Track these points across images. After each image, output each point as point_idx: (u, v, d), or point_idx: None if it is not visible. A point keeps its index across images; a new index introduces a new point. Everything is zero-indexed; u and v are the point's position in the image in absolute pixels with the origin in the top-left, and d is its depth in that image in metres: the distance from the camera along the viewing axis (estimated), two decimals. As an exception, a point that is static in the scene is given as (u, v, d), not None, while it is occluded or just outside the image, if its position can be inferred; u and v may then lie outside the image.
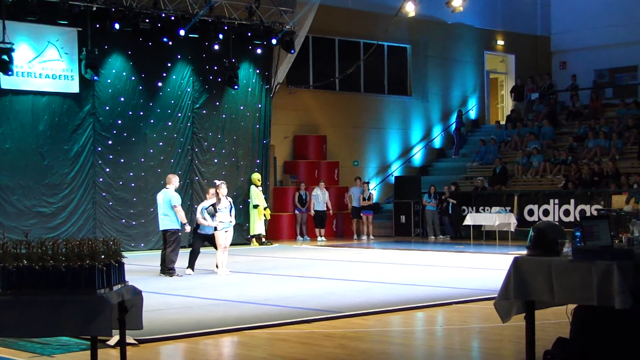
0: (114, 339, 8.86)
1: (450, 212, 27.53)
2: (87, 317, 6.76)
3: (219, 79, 25.22)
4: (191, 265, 17.34)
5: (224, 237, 17.10)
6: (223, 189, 17.13)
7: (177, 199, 17.09)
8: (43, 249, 6.93)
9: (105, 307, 6.80)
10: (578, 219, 23.25)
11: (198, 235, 17.44)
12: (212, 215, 17.00)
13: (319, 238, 27.39)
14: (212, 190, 17.62)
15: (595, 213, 23.83)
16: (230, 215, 17.14)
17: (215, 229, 16.94)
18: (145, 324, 7.67)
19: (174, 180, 17.37)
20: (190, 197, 24.58)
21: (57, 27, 22.25)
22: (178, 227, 17.00)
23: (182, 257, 17.61)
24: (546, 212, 25.79)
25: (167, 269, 16.85)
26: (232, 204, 17.41)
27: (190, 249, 17.81)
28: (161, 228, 17.23)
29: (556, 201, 25.70)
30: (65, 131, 22.69)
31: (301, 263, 20.26)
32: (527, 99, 33.70)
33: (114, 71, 23.57)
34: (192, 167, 24.91)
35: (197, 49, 24.66)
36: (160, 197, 17.19)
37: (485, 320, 11.21)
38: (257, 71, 26.43)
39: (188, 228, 17.47)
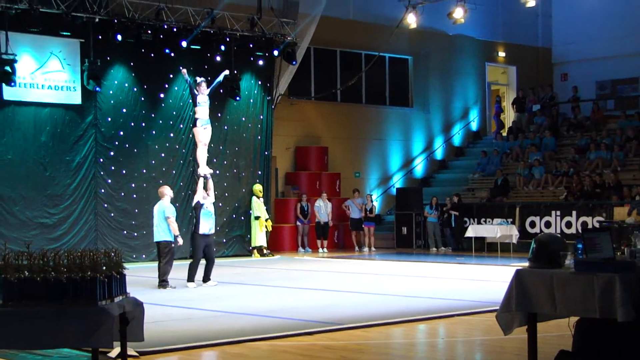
0: (115, 350, 8.85)
1: (452, 224, 27.52)
2: (89, 329, 6.75)
3: (221, 90, 25.21)
4: (192, 278, 17.23)
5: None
6: (203, 86, 18.04)
7: (170, 210, 17.01)
8: (44, 260, 6.94)
9: (107, 319, 6.79)
10: (580, 231, 23.25)
11: (199, 236, 17.21)
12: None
13: (321, 250, 27.36)
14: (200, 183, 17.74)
15: (597, 225, 23.82)
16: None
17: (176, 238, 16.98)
18: (146, 336, 7.66)
19: (166, 191, 17.36)
20: (192, 208, 24.56)
21: (60, 38, 22.32)
22: (172, 238, 16.95)
23: (179, 269, 17.59)
24: (548, 224, 25.76)
25: (160, 280, 16.81)
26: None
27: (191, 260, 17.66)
28: (155, 239, 17.16)
29: (558, 213, 25.68)
30: (67, 142, 22.71)
31: (302, 274, 20.23)
32: (529, 110, 33.72)
33: (116, 82, 23.61)
34: (194, 178, 24.84)
35: (199, 60, 24.67)
36: (156, 208, 17.17)
37: (487, 333, 11.18)
38: (259, 82, 26.46)
39: (180, 241, 17.39)
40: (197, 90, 18.17)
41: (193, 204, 17.84)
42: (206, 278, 17.25)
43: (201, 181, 17.73)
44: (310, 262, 23.98)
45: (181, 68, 19.64)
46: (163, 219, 16.86)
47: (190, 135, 24.79)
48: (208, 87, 18.43)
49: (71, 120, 22.79)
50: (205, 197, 17.38)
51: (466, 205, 28.08)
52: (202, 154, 18.54)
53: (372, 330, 11.60)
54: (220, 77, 19.19)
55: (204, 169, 18.10)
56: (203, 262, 17.28)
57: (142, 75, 24.00)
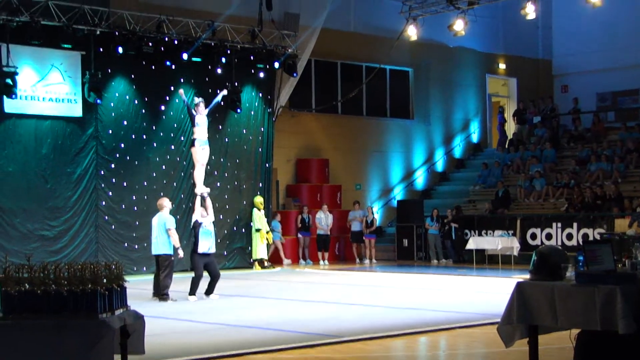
0: (116, 363, 8.83)
1: (453, 236, 27.49)
2: (89, 342, 6.74)
3: (222, 103, 25.21)
4: (193, 291, 17.21)
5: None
6: (201, 107, 18.02)
7: (171, 222, 16.98)
8: (45, 273, 6.93)
9: (107, 332, 6.78)
10: (581, 243, 23.22)
11: (198, 255, 17.24)
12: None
13: (322, 262, 27.34)
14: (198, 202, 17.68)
15: (598, 237, 23.78)
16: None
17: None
18: (147, 349, 7.64)
19: (165, 203, 17.36)
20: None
21: (61, 50, 22.34)
22: (171, 252, 16.91)
23: (178, 282, 17.55)
24: (549, 236, 25.73)
25: (161, 294, 16.77)
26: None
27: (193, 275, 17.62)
28: (154, 252, 17.15)
29: (559, 225, 25.65)
30: (68, 154, 22.72)
31: (303, 287, 20.21)
32: (529, 122, 33.74)
33: (117, 95, 23.63)
34: (194, 191, 24.84)
35: (200, 73, 24.72)
36: (155, 220, 17.14)
37: (489, 345, 11.16)
38: (260, 94, 26.48)
39: (181, 253, 17.35)
40: (195, 111, 18.04)
41: (192, 224, 17.73)
42: (209, 291, 17.20)
43: (198, 199, 17.67)
44: (311, 275, 23.95)
45: (181, 84, 19.58)
46: (164, 231, 16.83)
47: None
48: (206, 107, 18.32)
49: (72, 132, 22.81)
50: (203, 215, 17.32)
51: (467, 217, 28.06)
52: (199, 174, 18.45)
53: (373, 342, 11.58)
54: (219, 98, 19.11)
55: (201, 189, 17.99)
56: (207, 276, 17.24)
57: (143, 87, 24.02)
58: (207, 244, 17.02)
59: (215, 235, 17.88)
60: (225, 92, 19.88)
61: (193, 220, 17.46)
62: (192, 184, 24.53)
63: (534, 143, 32.12)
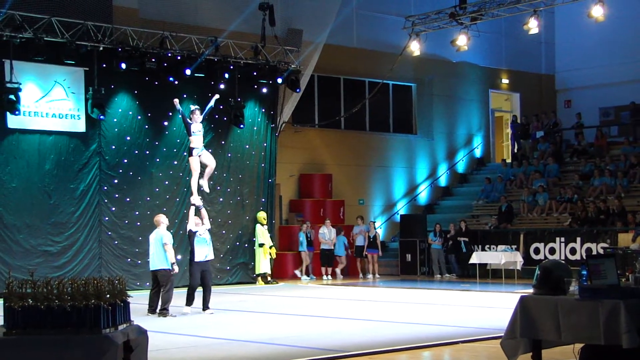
0: (119, 378, 8.82)
1: (463, 249, 27.32)
2: (93, 357, 6.74)
3: (225, 118, 25.30)
4: (190, 302, 17.22)
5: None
6: (197, 114, 17.94)
7: (167, 238, 16.98)
8: (48, 289, 6.94)
9: (111, 347, 6.78)
10: (584, 257, 23.18)
11: (196, 264, 17.21)
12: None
13: (325, 277, 27.31)
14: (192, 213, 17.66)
15: (601, 251, 23.75)
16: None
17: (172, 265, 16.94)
18: (150, 364, 7.63)
19: (162, 219, 17.35)
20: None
21: (64, 66, 22.41)
22: (169, 266, 16.89)
23: (176, 297, 17.57)
24: (552, 251, 25.71)
25: (162, 308, 16.75)
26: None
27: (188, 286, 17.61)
28: (152, 268, 17.13)
29: (562, 239, 25.63)
30: (71, 170, 22.76)
31: (306, 302, 20.18)
32: (532, 137, 33.74)
33: (120, 110, 23.68)
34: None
35: (203, 88, 24.72)
36: (152, 236, 17.16)
37: (492, 360, 11.14)
38: (263, 110, 26.52)
39: (176, 268, 17.29)
40: (191, 119, 18.07)
41: (187, 233, 17.77)
42: (205, 306, 17.18)
43: (192, 209, 17.65)
44: (314, 289, 23.93)
45: (183, 100, 19.58)
46: (161, 247, 16.84)
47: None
48: (201, 114, 18.33)
49: (75, 148, 22.85)
50: (197, 223, 17.34)
51: (471, 232, 28.03)
52: (196, 183, 18.43)
53: (376, 357, 11.56)
54: (212, 102, 18.94)
55: (196, 199, 17.96)
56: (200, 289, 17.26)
57: (146, 103, 24.07)
58: (203, 252, 17.10)
59: (212, 242, 17.81)
60: (217, 96, 19.71)
61: (187, 230, 17.51)
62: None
63: (537, 158, 32.11)
